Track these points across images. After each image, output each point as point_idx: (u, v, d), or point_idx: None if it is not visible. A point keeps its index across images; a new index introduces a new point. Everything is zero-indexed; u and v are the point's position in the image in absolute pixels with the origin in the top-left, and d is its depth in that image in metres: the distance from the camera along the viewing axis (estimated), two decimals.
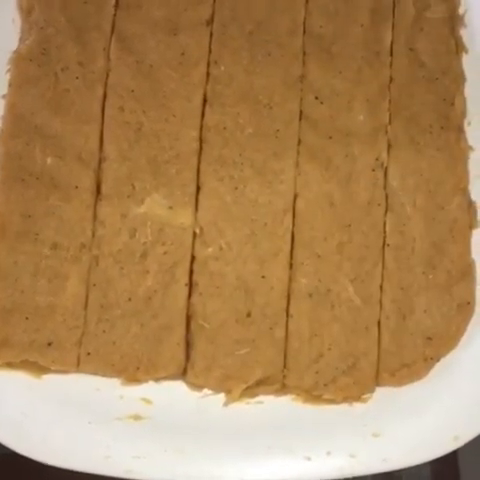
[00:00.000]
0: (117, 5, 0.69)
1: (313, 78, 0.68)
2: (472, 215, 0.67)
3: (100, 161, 0.66)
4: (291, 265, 0.65)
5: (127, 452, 0.61)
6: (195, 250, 0.65)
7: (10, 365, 0.63)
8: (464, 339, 0.65)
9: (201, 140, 0.67)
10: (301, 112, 0.68)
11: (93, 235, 0.65)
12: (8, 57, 0.68)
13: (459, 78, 0.69)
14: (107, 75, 0.68)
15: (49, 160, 0.66)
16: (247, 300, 0.64)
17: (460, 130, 0.68)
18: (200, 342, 0.64)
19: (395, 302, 0.65)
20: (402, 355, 0.64)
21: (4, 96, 0.68)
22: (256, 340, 0.64)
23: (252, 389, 0.64)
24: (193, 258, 0.65)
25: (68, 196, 0.65)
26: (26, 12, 0.69)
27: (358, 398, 0.64)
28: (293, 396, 0.64)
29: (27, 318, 0.64)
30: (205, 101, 0.68)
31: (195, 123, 0.67)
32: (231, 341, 0.64)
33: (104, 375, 0.64)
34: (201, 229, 0.65)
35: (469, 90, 0.69)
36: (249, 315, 0.64)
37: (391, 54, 0.69)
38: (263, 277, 0.65)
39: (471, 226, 0.67)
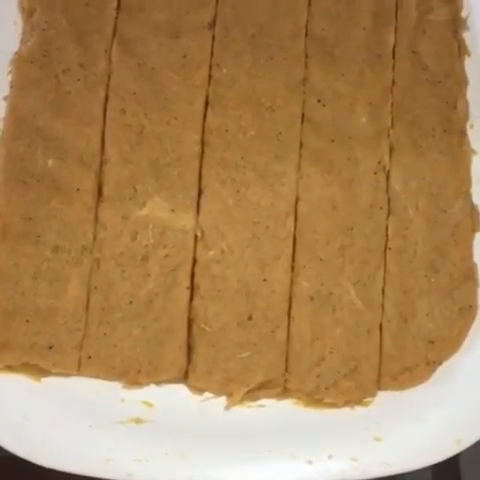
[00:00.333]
0: (119, 8, 0.69)
1: (315, 81, 0.68)
2: (474, 218, 0.67)
3: (101, 163, 0.66)
4: (293, 268, 0.65)
5: (128, 455, 0.61)
6: (197, 253, 0.65)
7: (11, 368, 0.63)
8: (466, 343, 0.65)
9: (203, 143, 0.67)
10: (303, 115, 0.68)
11: (94, 238, 0.65)
12: (9, 59, 0.68)
13: (462, 81, 0.69)
14: (109, 77, 0.68)
15: (50, 162, 0.66)
16: (248, 303, 0.64)
17: (462, 133, 0.68)
18: (201, 345, 0.64)
19: (397, 305, 0.65)
20: (404, 359, 0.64)
21: (5, 98, 0.67)
22: (257, 343, 0.64)
23: (253, 392, 0.64)
24: (195, 261, 0.65)
25: (69, 198, 0.65)
26: (28, 14, 0.69)
27: (360, 402, 0.64)
28: (294, 400, 0.64)
29: (28, 321, 0.63)
30: (207, 104, 0.68)
31: (197, 126, 0.67)
32: (232, 344, 0.64)
33: (105, 378, 0.64)
34: (203, 232, 0.65)
35: (472, 93, 0.69)
36: (250, 318, 0.64)
37: (393, 57, 0.69)
38: (265, 280, 0.65)
39: (473, 229, 0.67)
